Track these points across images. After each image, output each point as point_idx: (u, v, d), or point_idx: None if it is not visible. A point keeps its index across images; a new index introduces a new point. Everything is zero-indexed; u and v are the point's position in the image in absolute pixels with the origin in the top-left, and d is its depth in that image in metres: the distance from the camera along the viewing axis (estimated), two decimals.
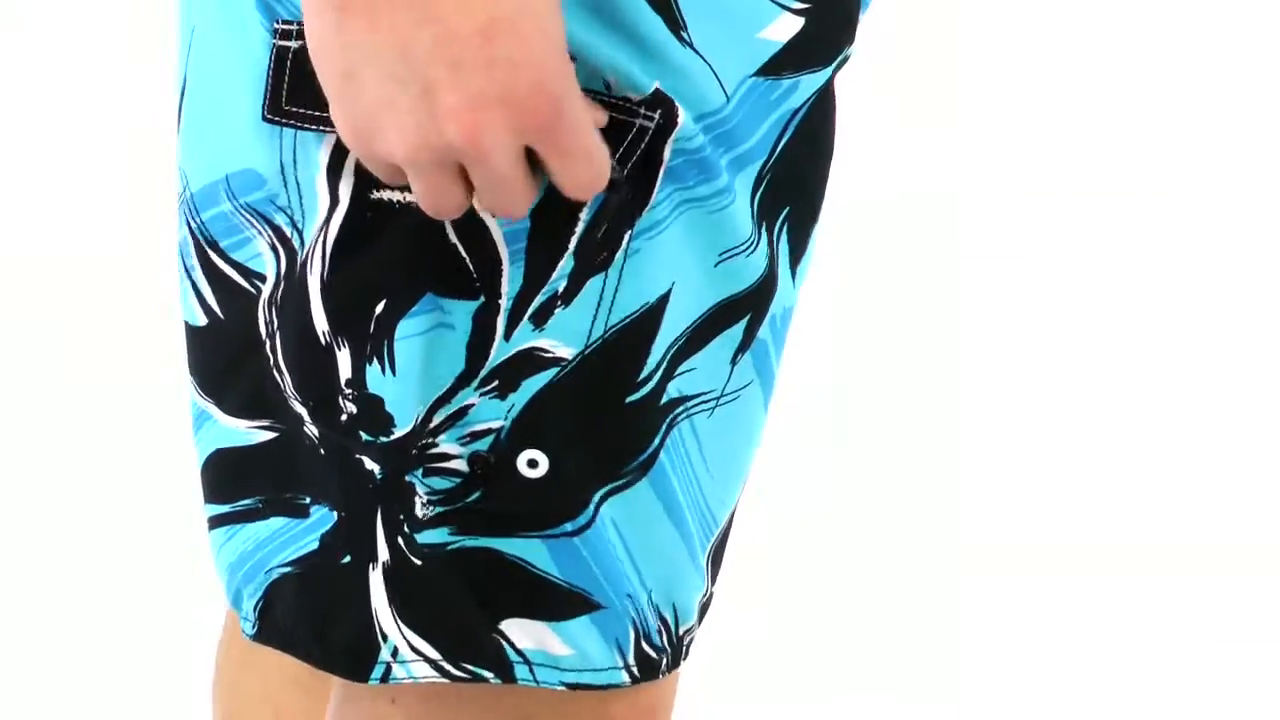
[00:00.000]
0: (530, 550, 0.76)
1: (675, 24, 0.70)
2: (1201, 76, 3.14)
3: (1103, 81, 3.10)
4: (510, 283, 0.72)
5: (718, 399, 0.77)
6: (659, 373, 0.75)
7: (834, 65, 0.76)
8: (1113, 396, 2.46)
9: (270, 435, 0.78)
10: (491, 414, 0.74)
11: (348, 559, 0.77)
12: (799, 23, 0.73)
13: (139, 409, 2.22)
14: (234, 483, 0.80)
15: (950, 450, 2.29)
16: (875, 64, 1.10)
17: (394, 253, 0.72)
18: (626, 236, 0.72)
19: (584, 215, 0.71)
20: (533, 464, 0.74)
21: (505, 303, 0.72)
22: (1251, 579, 2.15)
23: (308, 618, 0.79)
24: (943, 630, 1.98)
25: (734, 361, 0.77)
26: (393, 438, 0.74)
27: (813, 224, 0.79)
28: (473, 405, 0.73)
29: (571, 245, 0.71)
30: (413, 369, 0.73)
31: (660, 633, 0.80)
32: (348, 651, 0.78)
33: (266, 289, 0.76)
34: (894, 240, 2.61)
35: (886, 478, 2.22)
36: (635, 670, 0.79)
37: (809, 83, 0.75)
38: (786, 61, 0.73)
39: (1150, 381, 2.49)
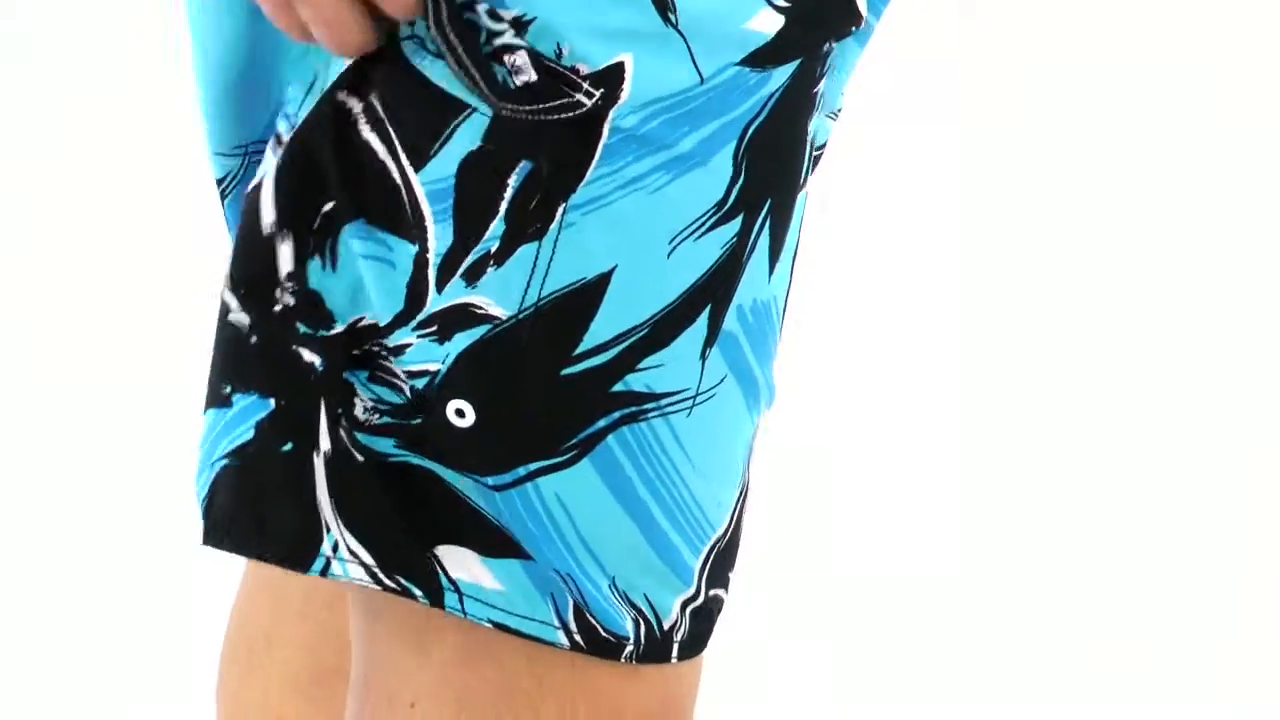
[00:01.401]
0: (465, 484, 0.77)
1: (664, 5, 0.72)
2: (1201, 76, 3.14)
3: (1103, 81, 3.10)
4: (438, 240, 0.73)
5: (694, 398, 0.78)
6: (606, 356, 0.76)
7: (817, 59, 0.77)
8: (1112, 396, 2.46)
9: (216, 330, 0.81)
10: (430, 356, 0.75)
11: (289, 446, 0.78)
12: (780, 19, 0.75)
13: (143, 415, 2.22)
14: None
15: (949, 449, 2.30)
16: (880, 63, 1.11)
17: (344, 160, 0.74)
18: (561, 208, 0.74)
19: (512, 181, 0.73)
20: (460, 414, 0.76)
21: (434, 258, 0.73)
22: (1252, 579, 2.15)
23: (247, 507, 0.79)
24: (943, 630, 1.98)
25: (703, 356, 0.78)
26: (332, 333, 0.76)
27: (790, 216, 0.80)
28: (410, 345, 0.75)
29: (501, 210, 0.73)
30: (355, 278, 0.75)
31: (637, 621, 0.80)
32: (291, 540, 0.78)
33: (267, 183, 0.79)
34: (892, 240, 2.61)
35: (885, 477, 2.22)
36: (578, 638, 0.79)
37: (782, 72, 0.76)
38: (773, 55, 0.75)
39: (1150, 381, 2.49)
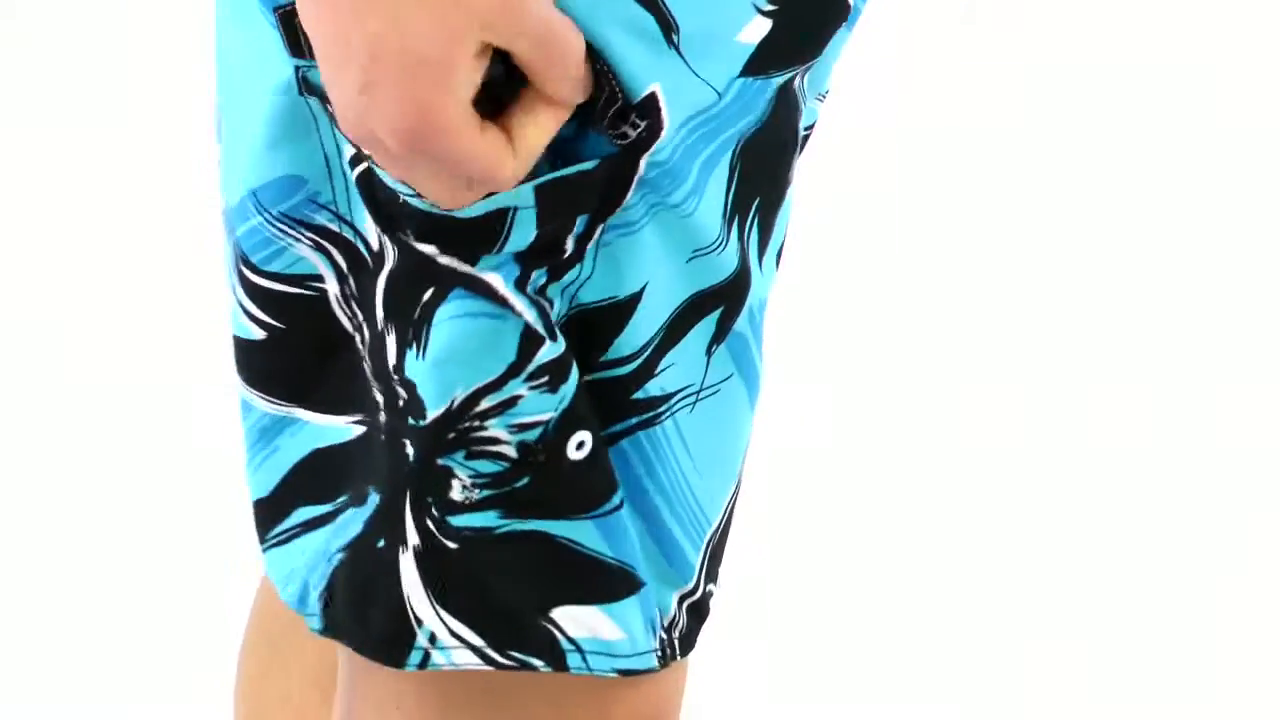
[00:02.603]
0: (581, 531, 0.76)
1: (668, 26, 0.71)
2: (1202, 77, 3.14)
3: (1101, 82, 3.10)
4: (518, 300, 0.73)
5: (697, 393, 0.78)
6: (632, 366, 0.76)
7: (804, 65, 0.76)
8: (1111, 395, 2.46)
9: (363, 429, 0.79)
10: (541, 407, 0.74)
11: (381, 543, 0.77)
12: (767, 25, 0.73)
13: (161, 413, 2.22)
14: (332, 481, 0.80)
15: (950, 450, 2.30)
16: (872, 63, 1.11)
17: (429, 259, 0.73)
18: (599, 230, 0.73)
19: (571, 238, 0.73)
20: (580, 445, 0.75)
21: (529, 314, 0.73)
22: (1252, 580, 2.15)
23: (353, 602, 0.78)
24: (942, 631, 1.98)
25: (709, 353, 0.78)
26: (425, 422, 0.74)
27: (778, 211, 0.79)
28: (522, 397, 0.74)
29: (562, 259, 0.74)
30: (444, 354, 0.73)
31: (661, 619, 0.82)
32: (384, 637, 0.78)
33: (332, 287, 0.77)
34: (891, 240, 2.61)
35: (886, 477, 2.22)
36: (658, 654, 0.80)
37: (781, 76, 0.76)
38: (764, 63, 0.74)
39: (1148, 381, 2.49)
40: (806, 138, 0.84)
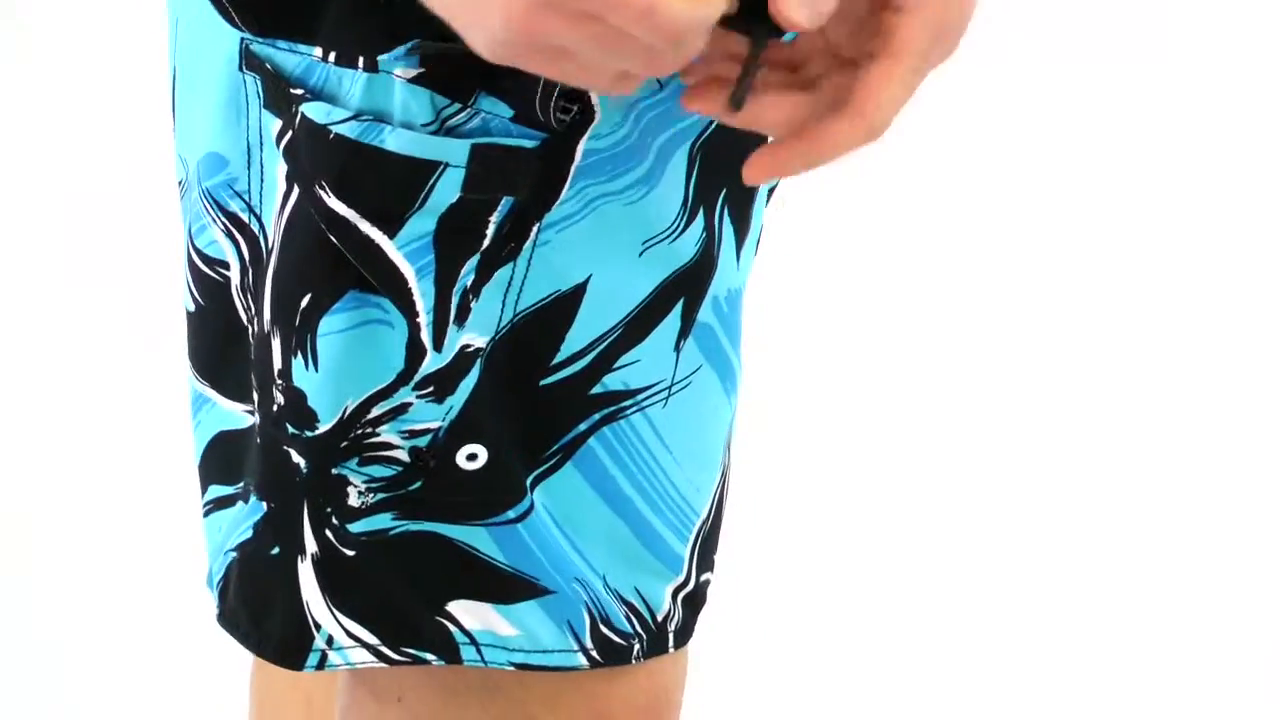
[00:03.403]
0: (474, 536, 0.77)
1: None
2: (1201, 77, 3.14)
3: (1101, 82, 3.10)
4: (424, 297, 0.72)
5: (669, 388, 0.78)
6: (583, 362, 0.76)
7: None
8: (1109, 394, 2.46)
9: (253, 420, 0.80)
10: (429, 415, 0.75)
11: (276, 550, 0.79)
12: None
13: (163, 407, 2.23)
14: (233, 465, 0.82)
15: (952, 450, 2.30)
16: None
17: (324, 247, 0.72)
18: (535, 229, 0.73)
19: (494, 219, 0.72)
20: (472, 457, 0.76)
21: (425, 317, 0.73)
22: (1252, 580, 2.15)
23: (247, 604, 0.80)
24: (943, 630, 1.98)
25: (677, 349, 0.78)
26: (316, 433, 0.75)
27: (752, 204, 0.79)
28: (411, 404, 0.74)
29: (481, 248, 0.72)
30: (337, 366, 0.73)
31: (629, 618, 0.81)
32: (282, 641, 0.79)
33: (235, 276, 0.78)
34: (889, 239, 2.62)
35: (889, 478, 2.22)
36: (595, 653, 0.80)
37: None
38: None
39: (1149, 381, 2.49)
40: None
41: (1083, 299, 2.62)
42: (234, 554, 0.81)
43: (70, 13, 3.23)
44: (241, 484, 0.81)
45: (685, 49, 0.60)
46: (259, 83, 0.73)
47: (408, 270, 0.72)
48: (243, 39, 0.73)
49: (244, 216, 0.76)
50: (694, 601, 0.84)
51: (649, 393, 0.78)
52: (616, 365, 0.77)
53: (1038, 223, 2.78)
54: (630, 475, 0.79)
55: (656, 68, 0.61)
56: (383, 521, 0.77)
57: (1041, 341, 2.49)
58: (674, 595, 0.82)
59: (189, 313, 0.82)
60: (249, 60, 0.73)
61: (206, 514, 0.84)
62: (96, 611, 1.95)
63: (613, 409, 0.77)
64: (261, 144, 0.74)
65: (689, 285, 0.77)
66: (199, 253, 0.79)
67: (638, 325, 0.76)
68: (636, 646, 0.82)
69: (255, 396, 0.77)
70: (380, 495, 0.76)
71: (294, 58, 0.71)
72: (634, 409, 0.78)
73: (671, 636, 0.83)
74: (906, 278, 2.58)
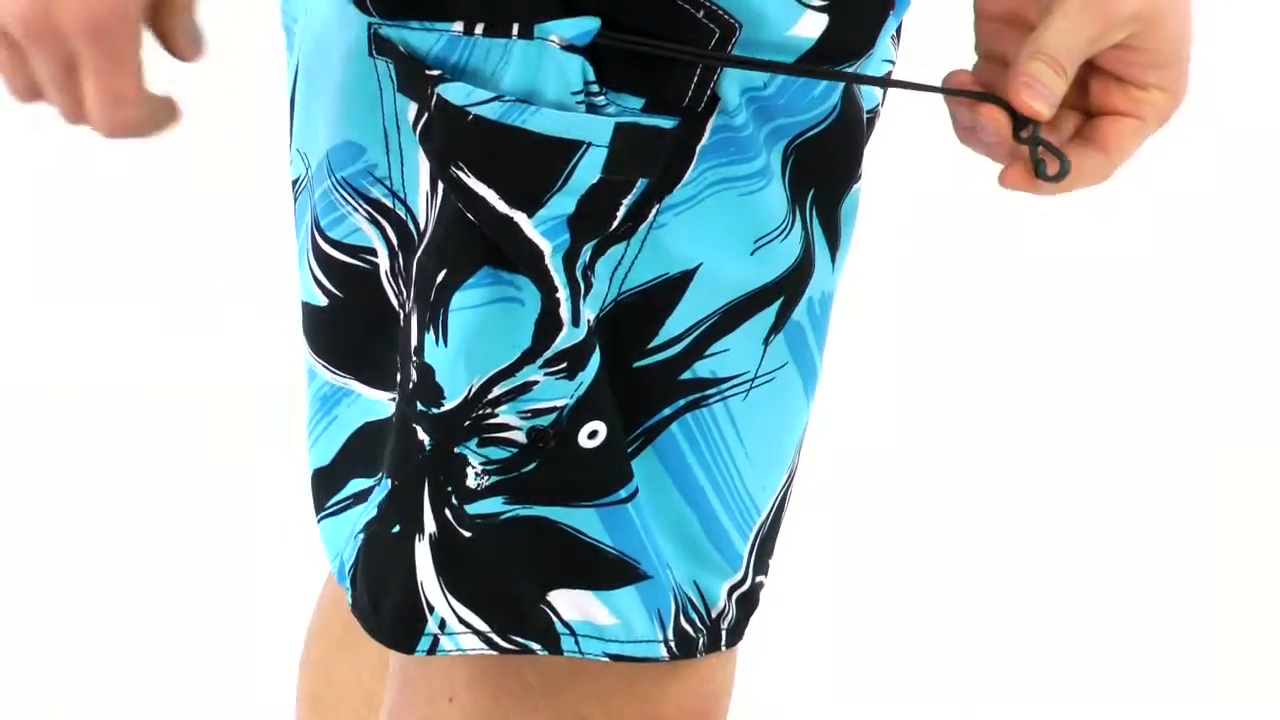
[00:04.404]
0: (583, 519, 0.77)
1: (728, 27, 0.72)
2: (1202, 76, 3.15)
3: None
4: (558, 272, 0.73)
5: (751, 381, 0.78)
6: (678, 347, 0.76)
7: (859, 60, 0.76)
8: (1107, 393, 2.46)
9: (394, 407, 0.80)
10: (557, 393, 0.74)
11: (396, 528, 0.78)
12: (824, 20, 0.73)
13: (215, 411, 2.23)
14: (375, 456, 0.81)
15: (953, 451, 2.30)
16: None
17: (460, 223, 0.73)
18: (654, 210, 0.73)
19: (627, 200, 0.73)
20: (593, 434, 0.75)
21: (563, 291, 0.73)
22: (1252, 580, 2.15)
23: (368, 586, 0.80)
24: (943, 630, 1.98)
25: (766, 343, 0.78)
26: (442, 409, 0.74)
27: (837, 209, 0.80)
28: (537, 382, 0.74)
29: (610, 229, 0.73)
30: (465, 342, 0.73)
31: (694, 610, 0.81)
32: (395, 622, 0.79)
33: (384, 262, 0.78)
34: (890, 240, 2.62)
35: (890, 480, 2.22)
36: (673, 645, 0.80)
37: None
38: (824, 58, 0.74)
39: (1149, 382, 2.49)
40: (872, 119, 0.84)
41: (1083, 298, 2.62)
42: (362, 535, 0.80)
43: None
44: (379, 474, 0.80)
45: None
46: (391, 67, 0.73)
47: (545, 247, 0.72)
48: (371, 24, 0.73)
49: (388, 202, 0.76)
50: (748, 602, 0.83)
51: (733, 383, 0.78)
52: (709, 352, 0.77)
53: (1037, 223, 2.79)
54: (705, 466, 0.79)
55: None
56: (494, 505, 0.76)
57: (1041, 342, 2.50)
58: (729, 593, 0.82)
59: (318, 307, 0.81)
60: (379, 44, 0.73)
61: (341, 511, 0.83)
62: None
63: (698, 395, 0.77)
64: (399, 128, 0.74)
65: (791, 285, 0.77)
66: (336, 243, 0.79)
67: (734, 315, 0.77)
68: (701, 640, 0.81)
69: (398, 376, 0.77)
70: (494, 478, 0.76)
71: (430, 37, 0.71)
72: (717, 398, 0.78)
73: (725, 635, 0.82)
74: (906, 278, 2.59)
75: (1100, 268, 2.71)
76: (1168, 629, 2.07)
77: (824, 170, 0.77)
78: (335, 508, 0.84)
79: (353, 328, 0.81)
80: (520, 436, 0.75)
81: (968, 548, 2.08)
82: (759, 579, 0.83)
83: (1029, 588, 2.12)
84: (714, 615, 0.81)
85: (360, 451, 0.83)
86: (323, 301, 0.81)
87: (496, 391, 0.74)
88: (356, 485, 0.83)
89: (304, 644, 1.15)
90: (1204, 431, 2.38)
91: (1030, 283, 2.64)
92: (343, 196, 0.77)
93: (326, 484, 0.84)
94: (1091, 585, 2.13)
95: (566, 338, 0.73)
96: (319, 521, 0.84)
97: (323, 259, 0.80)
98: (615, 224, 0.73)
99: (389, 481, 0.78)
